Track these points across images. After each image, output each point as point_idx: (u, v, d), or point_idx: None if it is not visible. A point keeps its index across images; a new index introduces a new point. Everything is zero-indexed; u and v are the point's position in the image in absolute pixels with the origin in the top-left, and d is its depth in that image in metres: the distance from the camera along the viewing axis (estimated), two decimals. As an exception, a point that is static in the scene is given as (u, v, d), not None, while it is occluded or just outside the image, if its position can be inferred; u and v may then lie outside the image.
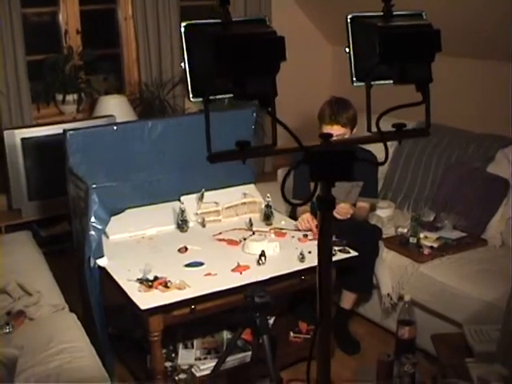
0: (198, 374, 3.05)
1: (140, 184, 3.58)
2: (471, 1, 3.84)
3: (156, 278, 2.88)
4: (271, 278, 2.96)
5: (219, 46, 1.30)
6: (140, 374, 3.16)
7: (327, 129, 3.47)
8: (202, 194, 3.62)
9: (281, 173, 4.53)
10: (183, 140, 3.55)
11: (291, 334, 3.44)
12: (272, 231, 3.47)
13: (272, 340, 2.73)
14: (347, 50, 1.54)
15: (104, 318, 3.21)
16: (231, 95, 1.38)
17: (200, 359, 3.14)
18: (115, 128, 3.52)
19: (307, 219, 3.51)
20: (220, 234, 3.46)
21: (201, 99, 1.38)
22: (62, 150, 3.35)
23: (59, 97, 4.72)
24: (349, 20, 1.53)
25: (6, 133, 4.15)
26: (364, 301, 3.73)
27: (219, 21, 1.37)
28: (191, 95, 1.38)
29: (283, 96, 5.92)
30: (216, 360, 2.96)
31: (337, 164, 1.46)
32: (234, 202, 3.69)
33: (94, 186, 3.18)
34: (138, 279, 2.89)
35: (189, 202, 3.63)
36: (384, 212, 4.01)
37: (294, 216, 3.74)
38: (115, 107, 4.57)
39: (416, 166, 4.17)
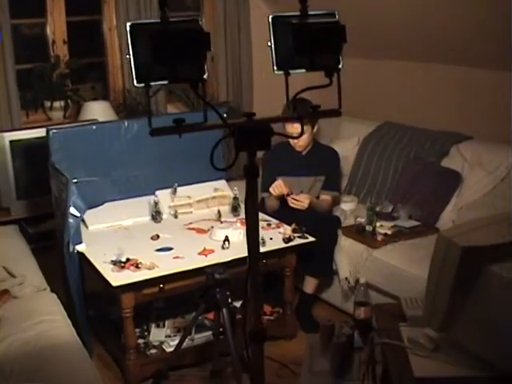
0: (167, 350, 3.33)
1: (118, 179, 3.87)
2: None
3: (128, 260, 3.17)
4: (234, 260, 3.22)
5: (155, 39, 1.59)
6: (115, 351, 3.44)
7: (289, 127, 3.74)
8: (175, 189, 3.90)
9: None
10: (158, 139, 3.77)
11: (256, 315, 3.69)
12: (238, 221, 3.72)
13: (232, 314, 3.00)
14: (269, 43, 1.84)
15: (83, 299, 3.49)
16: (167, 81, 1.68)
17: (170, 336, 3.41)
18: (94, 127, 3.82)
19: (280, 185, 3.81)
20: (191, 224, 3.74)
21: (143, 84, 1.68)
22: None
23: (47, 103, 4.94)
24: (270, 19, 1.83)
25: (-5, 136, 4.37)
26: (326, 286, 4.00)
27: (158, 20, 1.67)
28: (135, 81, 1.67)
29: (260, 103, 6.17)
30: (185, 337, 3.23)
31: (257, 137, 1.75)
32: (205, 196, 3.97)
33: (75, 180, 3.47)
34: (111, 261, 3.18)
35: (163, 195, 3.91)
36: (347, 206, 4.28)
37: (261, 209, 4.00)
38: (99, 112, 4.77)
39: (378, 162, 4.45)
